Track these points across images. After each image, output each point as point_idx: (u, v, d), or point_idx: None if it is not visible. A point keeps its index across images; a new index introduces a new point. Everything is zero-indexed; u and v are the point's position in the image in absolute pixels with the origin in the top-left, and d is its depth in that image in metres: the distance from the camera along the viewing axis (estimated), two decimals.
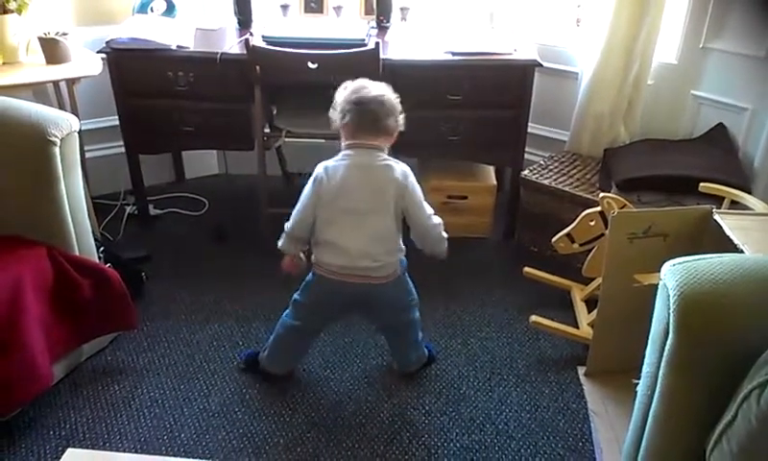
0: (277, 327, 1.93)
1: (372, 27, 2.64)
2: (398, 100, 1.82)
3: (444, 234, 1.88)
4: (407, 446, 1.79)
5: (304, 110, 2.49)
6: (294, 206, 1.83)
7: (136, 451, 1.75)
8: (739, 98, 2.41)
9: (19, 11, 2.31)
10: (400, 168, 1.80)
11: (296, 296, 1.89)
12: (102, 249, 2.13)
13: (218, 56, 2.36)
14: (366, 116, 1.77)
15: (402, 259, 1.85)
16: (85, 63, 2.35)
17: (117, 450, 1.75)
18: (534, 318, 2.17)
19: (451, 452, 1.78)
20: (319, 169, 1.80)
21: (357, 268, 1.75)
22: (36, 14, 2.43)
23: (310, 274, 1.85)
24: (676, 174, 2.24)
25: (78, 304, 1.84)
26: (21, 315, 1.65)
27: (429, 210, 1.85)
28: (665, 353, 1.19)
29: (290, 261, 1.89)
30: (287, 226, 1.85)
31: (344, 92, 1.80)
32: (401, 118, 1.83)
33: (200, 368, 2.04)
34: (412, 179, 1.81)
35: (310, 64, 2.23)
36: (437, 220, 1.86)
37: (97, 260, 1.99)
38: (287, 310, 1.91)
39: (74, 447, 1.75)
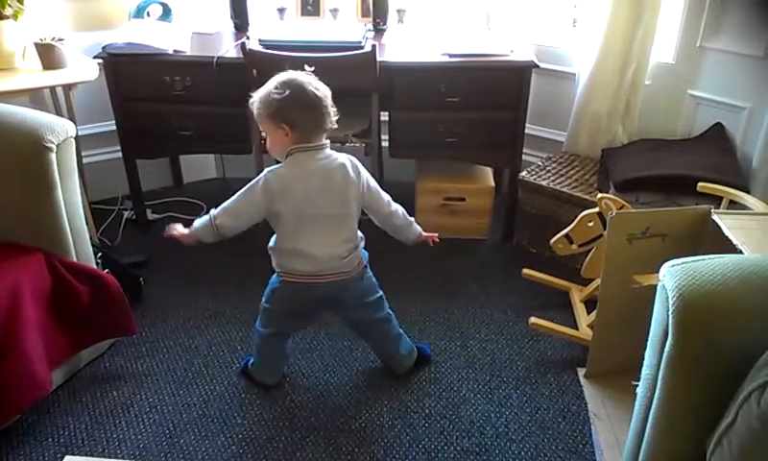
0: (255, 338, 1.93)
1: (369, 29, 2.64)
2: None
3: (410, 218, 1.88)
4: (407, 449, 1.78)
5: None
6: None
7: (135, 458, 1.75)
8: (737, 97, 2.41)
9: (15, 16, 2.30)
10: (350, 163, 1.76)
11: (263, 303, 1.87)
12: (100, 254, 2.13)
13: (215, 60, 2.36)
14: (316, 116, 1.67)
15: (364, 252, 1.85)
16: (82, 69, 2.35)
17: (116, 457, 1.75)
18: (533, 320, 2.17)
19: (451, 455, 1.77)
20: (270, 177, 1.70)
21: (324, 270, 1.74)
22: (32, 20, 2.42)
23: (275, 278, 1.84)
24: (674, 174, 2.23)
25: (76, 311, 1.84)
26: (19, 322, 1.64)
27: (386, 197, 1.84)
28: (665, 355, 1.19)
29: (190, 238, 1.78)
30: (214, 214, 1.75)
31: (276, 92, 1.65)
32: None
33: (199, 373, 2.04)
34: (363, 170, 1.79)
35: (307, 67, 2.23)
36: (395, 205, 1.86)
37: (95, 266, 1.99)
38: (258, 320, 1.91)
39: (73, 453, 1.75)
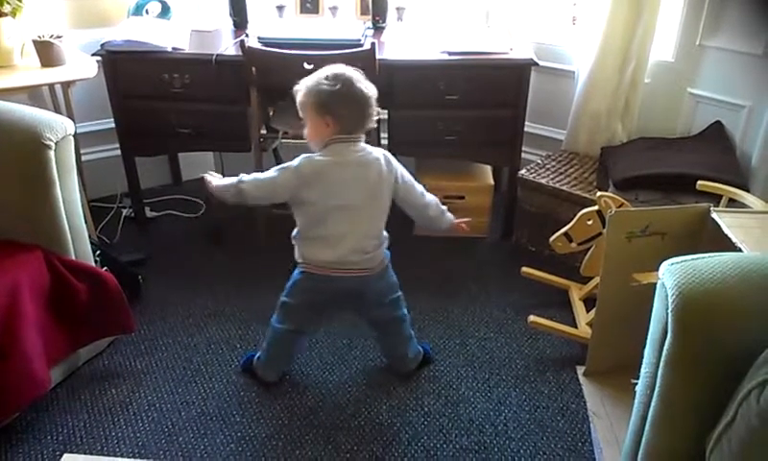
0: (269, 334, 1.92)
1: (368, 27, 2.64)
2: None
3: (443, 207, 1.90)
4: (406, 447, 1.78)
5: None
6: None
7: (134, 456, 1.75)
8: (736, 96, 2.41)
9: (14, 14, 2.30)
10: (384, 157, 1.78)
11: (283, 297, 1.87)
12: (98, 252, 2.12)
13: (213, 57, 2.36)
14: (361, 114, 1.72)
15: (386, 251, 1.85)
16: (80, 66, 2.34)
17: (115, 455, 1.75)
18: (532, 318, 2.17)
19: (450, 454, 1.77)
20: (305, 162, 1.73)
21: (347, 262, 1.74)
22: (30, 17, 2.42)
23: (296, 272, 1.84)
24: (673, 172, 2.24)
25: (74, 309, 1.84)
26: (18, 320, 1.64)
27: (420, 188, 1.86)
28: (664, 353, 1.19)
29: (215, 190, 1.81)
30: (243, 178, 1.77)
31: (326, 83, 1.68)
32: None
33: (197, 371, 2.03)
34: (396, 163, 1.81)
35: (306, 65, 2.23)
36: (429, 196, 1.88)
37: (93, 264, 1.98)
38: (275, 315, 1.90)
39: (71, 451, 1.75)
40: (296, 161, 1.74)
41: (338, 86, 1.67)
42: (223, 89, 2.43)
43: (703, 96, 2.52)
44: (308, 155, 1.75)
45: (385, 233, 1.83)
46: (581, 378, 2.01)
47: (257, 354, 1.98)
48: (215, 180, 1.83)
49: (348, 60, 2.24)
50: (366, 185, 1.74)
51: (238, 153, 2.60)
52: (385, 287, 1.86)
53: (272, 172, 1.76)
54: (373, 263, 1.79)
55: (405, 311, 1.94)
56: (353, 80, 1.69)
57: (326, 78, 1.69)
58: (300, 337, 1.95)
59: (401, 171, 1.83)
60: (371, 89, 1.72)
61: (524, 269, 2.43)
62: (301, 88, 1.73)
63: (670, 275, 1.18)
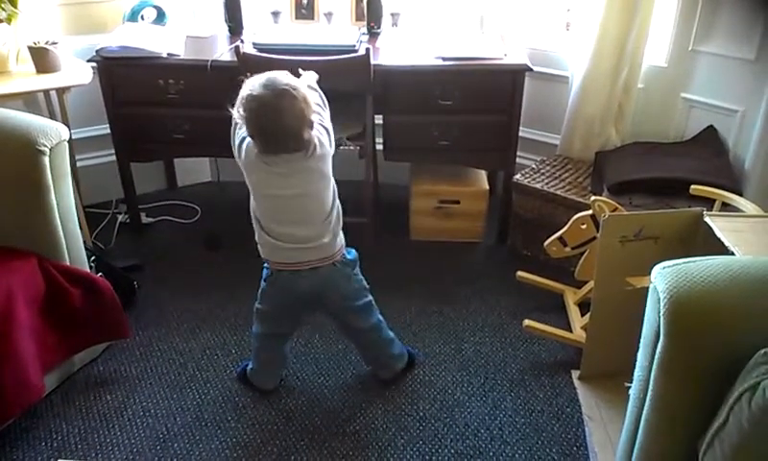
0: (252, 343, 1.93)
1: (363, 33, 2.64)
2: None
3: None
4: (401, 452, 1.78)
5: None
6: None
7: None
8: (729, 100, 2.42)
9: (9, 20, 2.30)
10: None
11: (256, 305, 1.89)
12: (93, 258, 2.12)
13: (209, 63, 2.36)
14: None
15: (351, 251, 1.85)
16: (76, 72, 2.35)
17: None
18: (527, 322, 2.17)
19: (446, 458, 1.77)
20: None
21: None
22: (26, 23, 2.42)
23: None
24: (667, 176, 2.24)
25: (69, 314, 1.84)
26: (12, 326, 1.64)
27: None
28: (656, 357, 1.19)
29: None
30: None
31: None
32: None
33: (192, 377, 2.03)
34: None
35: (301, 71, 2.23)
36: None
37: (88, 270, 1.98)
38: (253, 325, 1.91)
39: (66, 457, 1.74)
40: None
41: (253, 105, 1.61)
42: (218, 95, 2.40)
43: (696, 101, 2.54)
44: None
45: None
46: (575, 382, 2.02)
47: (249, 366, 1.99)
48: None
49: (343, 65, 2.26)
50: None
51: (233, 158, 2.60)
52: (351, 290, 1.84)
53: None
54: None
55: (378, 318, 1.92)
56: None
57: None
58: (280, 341, 1.95)
59: None
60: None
61: (519, 273, 2.43)
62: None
63: (662, 278, 1.19)
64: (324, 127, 1.74)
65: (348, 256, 1.83)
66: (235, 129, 1.75)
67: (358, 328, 1.90)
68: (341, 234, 1.81)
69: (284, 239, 1.73)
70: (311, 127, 1.67)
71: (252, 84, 1.63)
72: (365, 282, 1.88)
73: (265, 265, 1.83)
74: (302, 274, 1.75)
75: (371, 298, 1.89)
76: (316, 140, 1.67)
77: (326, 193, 1.75)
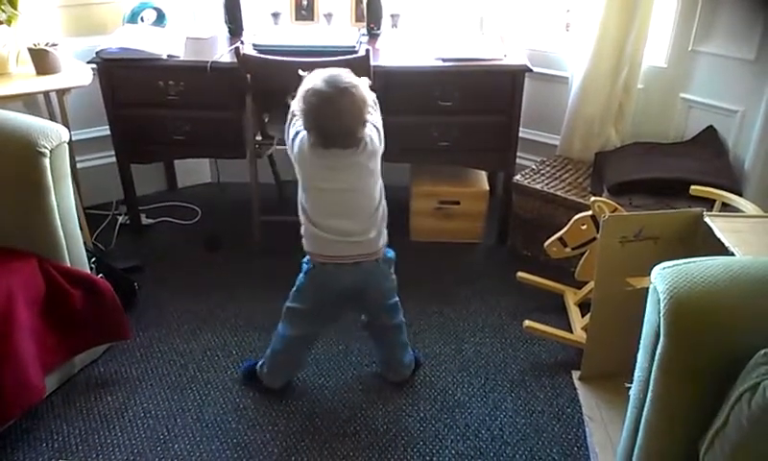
0: (273, 342, 1.91)
1: (363, 34, 2.65)
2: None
3: None
4: (402, 453, 1.78)
5: None
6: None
7: None
8: (729, 101, 2.42)
9: (9, 22, 2.30)
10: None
11: (289, 304, 1.87)
12: (94, 259, 2.12)
13: (209, 64, 2.36)
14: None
15: (389, 251, 1.87)
16: (76, 74, 2.35)
17: None
18: (527, 323, 2.17)
19: (447, 459, 1.77)
20: None
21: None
22: (26, 25, 2.42)
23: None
24: (667, 177, 2.25)
25: (70, 316, 1.84)
26: (13, 327, 1.64)
27: None
28: (656, 357, 1.19)
29: None
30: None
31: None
32: None
33: (193, 378, 2.03)
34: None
35: (301, 72, 2.22)
36: None
37: (89, 271, 1.98)
38: (280, 324, 1.89)
39: (67, 459, 1.74)
40: None
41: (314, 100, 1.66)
42: (218, 96, 2.44)
43: (696, 101, 2.54)
44: None
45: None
46: (576, 383, 2.02)
47: (260, 362, 1.98)
48: None
49: (343, 66, 2.26)
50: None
51: (233, 159, 2.60)
52: (387, 289, 1.88)
53: None
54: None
55: (402, 318, 1.94)
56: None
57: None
58: (308, 343, 1.96)
59: None
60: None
61: (519, 274, 2.43)
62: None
63: (662, 279, 1.19)
64: (375, 126, 1.78)
65: (388, 255, 1.86)
66: (291, 121, 1.79)
67: (386, 326, 1.92)
68: (385, 232, 1.84)
69: (331, 232, 1.75)
70: (365, 125, 1.71)
71: (314, 80, 1.68)
72: (396, 282, 1.91)
73: (304, 261, 1.83)
74: (346, 268, 1.77)
75: (397, 298, 1.92)
76: (367, 138, 1.72)
77: (374, 189, 1.79)
